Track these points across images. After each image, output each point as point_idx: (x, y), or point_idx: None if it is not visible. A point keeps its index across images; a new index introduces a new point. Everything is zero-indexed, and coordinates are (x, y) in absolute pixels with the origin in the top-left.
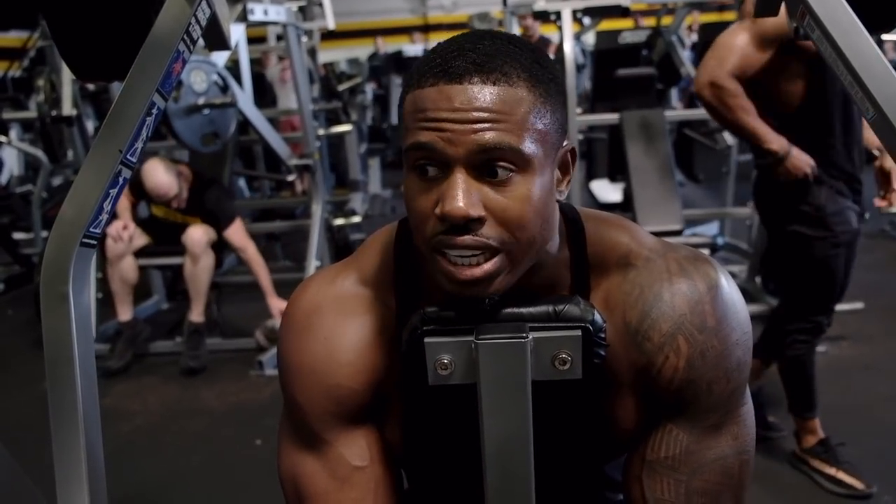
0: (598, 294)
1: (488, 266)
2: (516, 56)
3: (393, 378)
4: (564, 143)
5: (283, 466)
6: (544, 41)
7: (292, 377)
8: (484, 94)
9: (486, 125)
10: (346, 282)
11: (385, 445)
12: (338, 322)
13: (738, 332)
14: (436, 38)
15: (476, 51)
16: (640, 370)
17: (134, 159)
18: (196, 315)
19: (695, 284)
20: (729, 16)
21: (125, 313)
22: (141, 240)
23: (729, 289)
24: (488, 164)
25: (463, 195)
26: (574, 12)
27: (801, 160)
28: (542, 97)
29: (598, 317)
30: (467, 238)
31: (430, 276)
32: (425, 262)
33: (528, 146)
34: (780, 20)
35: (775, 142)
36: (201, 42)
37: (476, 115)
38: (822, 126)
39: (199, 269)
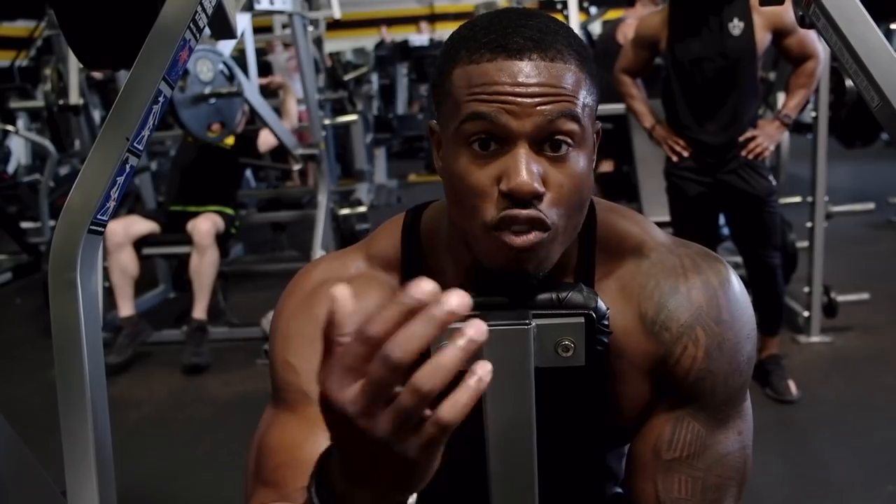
0: (612, 282)
1: (541, 236)
2: (564, 35)
3: None
4: (596, 122)
5: (259, 430)
6: None
7: (290, 342)
8: (545, 70)
9: (549, 99)
10: (354, 262)
11: None
12: None
13: (748, 328)
14: (442, 28)
15: (529, 27)
16: (657, 361)
17: (140, 147)
18: (199, 312)
19: (708, 280)
20: None
21: (126, 308)
22: (143, 226)
23: (738, 286)
24: (550, 139)
25: (529, 170)
26: (580, 1)
27: (659, 136)
28: (588, 75)
29: (601, 304)
30: (531, 212)
31: (436, 261)
32: (450, 245)
33: (584, 120)
34: (649, 27)
35: (646, 120)
36: (207, 31)
37: (539, 89)
38: (674, 111)
39: (205, 264)
